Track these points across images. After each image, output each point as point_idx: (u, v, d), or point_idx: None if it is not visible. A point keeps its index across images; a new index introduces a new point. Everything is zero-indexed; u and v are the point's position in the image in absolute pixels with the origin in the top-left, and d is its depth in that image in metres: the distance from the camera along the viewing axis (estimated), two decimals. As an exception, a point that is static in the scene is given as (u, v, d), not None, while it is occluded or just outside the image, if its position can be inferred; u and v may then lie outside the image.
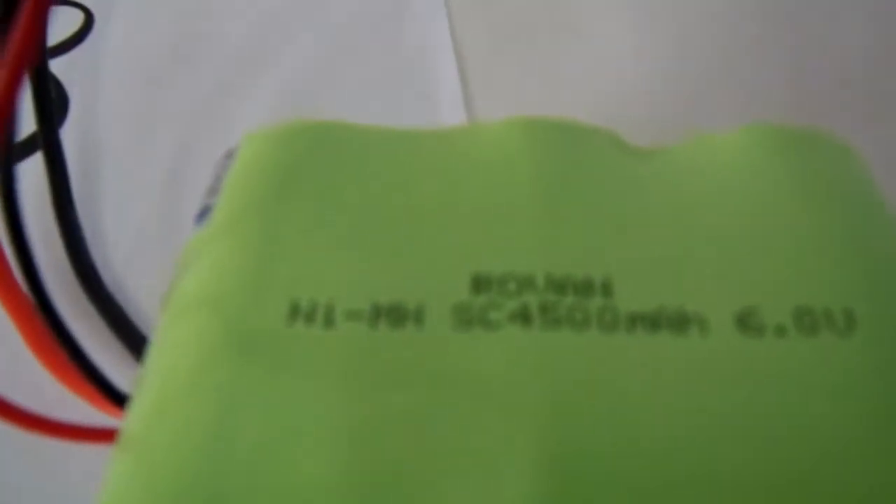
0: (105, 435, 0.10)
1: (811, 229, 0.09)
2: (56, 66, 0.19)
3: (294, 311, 0.08)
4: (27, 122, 0.19)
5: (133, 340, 0.14)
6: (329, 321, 0.08)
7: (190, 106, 0.18)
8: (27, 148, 0.18)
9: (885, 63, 0.20)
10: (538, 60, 0.20)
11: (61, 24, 0.21)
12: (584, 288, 0.08)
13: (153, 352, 0.08)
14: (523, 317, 0.08)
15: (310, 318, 0.08)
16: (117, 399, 0.11)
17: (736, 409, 0.07)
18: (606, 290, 0.08)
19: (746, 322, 0.08)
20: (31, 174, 0.18)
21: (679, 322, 0.08)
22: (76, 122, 0.18)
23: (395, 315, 0.08)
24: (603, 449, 0.07)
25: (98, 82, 0.19)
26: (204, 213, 0.10)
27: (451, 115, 0.18)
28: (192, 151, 0.18)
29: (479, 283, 0.08)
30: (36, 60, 0.14)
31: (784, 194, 0.09)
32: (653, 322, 0.08)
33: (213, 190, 0.10)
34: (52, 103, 0.17)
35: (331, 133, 0.10)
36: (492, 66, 0.20)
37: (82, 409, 0.12)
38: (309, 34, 0.20)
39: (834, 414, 0.07)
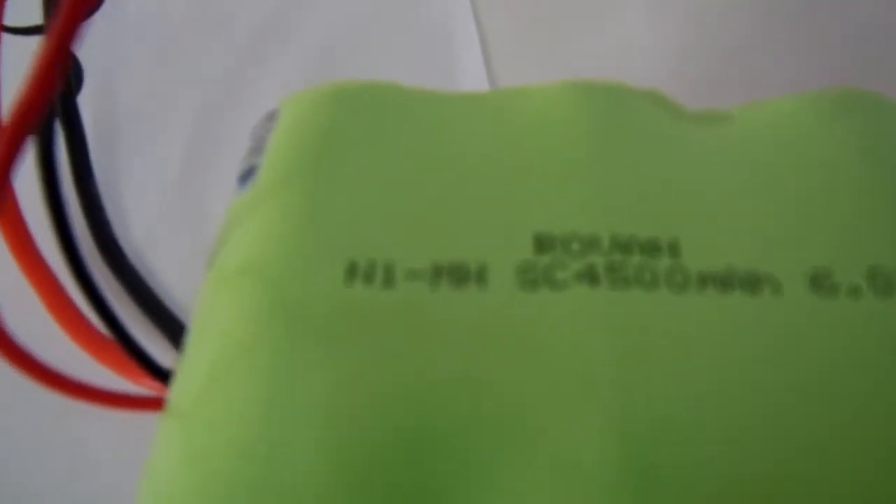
0: (141, 402, 0.10)
1: (876, 188, 0.08)
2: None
3: (352, 271, 0.08)
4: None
5: (156, 311, 0.14)
6: (389, 280, 0.08)
7: (208, 77, 0.18)
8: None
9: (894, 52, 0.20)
10: (560, 46, 0.20)
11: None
12: (651, 248, 0.08)
13: (198, 320, 0.08)
14: (590, 276, 0.07)
15: (368, 277, 0.08)
16: (154, 370, 0.11)
17: (812, 368, 0.07)
18: (673, 250, 0.08)
19: (820, 282, 0.07)
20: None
21: (751, 282, 0.07)
22: (92, 94, 0.18)
23: (456, 274, 0.08)
24: (674, 413, 0.07)
25: (113, 53, 0.18)
26: (247, 175, 0.09)
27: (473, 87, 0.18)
28: (211, 122, 0.17)
29: (542, 243, 0.08)
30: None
31: (846, 154, 0.09)
32: (724, 282, 0.07)
33: (256, 150, 0.09)
34: (71, 75, 0.17)
35: (376, 93, 0.10)
36: (514, 51, 0.19)
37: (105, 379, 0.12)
38: (331, 6, 0.20)
39: None
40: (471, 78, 0.18)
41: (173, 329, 0.14)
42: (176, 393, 0.08)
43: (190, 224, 0.16)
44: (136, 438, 0.10)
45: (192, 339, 0.08)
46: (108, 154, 0.16)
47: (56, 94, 0.14)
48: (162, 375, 0.11)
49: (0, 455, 0.14)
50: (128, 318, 0.14)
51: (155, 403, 0.10)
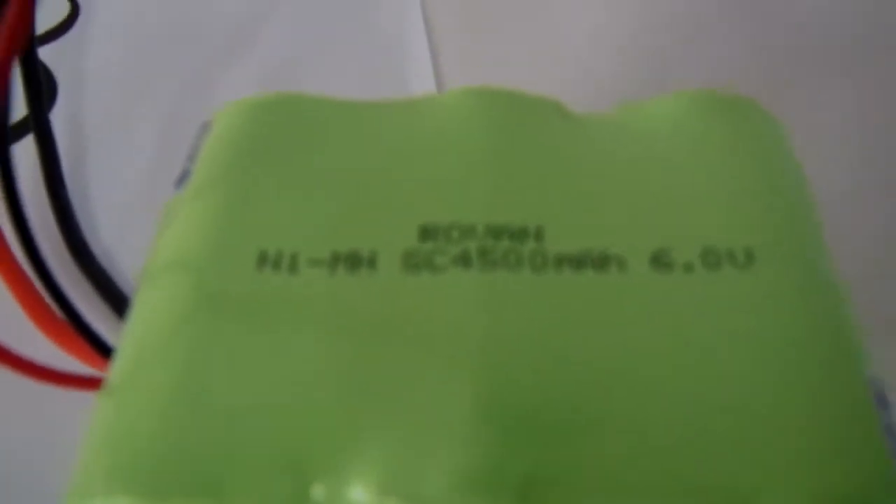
0: (96, 383, 0.11)
1: (725, 180, 0.10)
2: (45, 53, 0.20)
3: (262, 259, 0.09)
4: (18, 107, 0.20)
5: (121, 305, 0.15)
6: (293, 267, 0.09)
7: (172, 89, 0.19)
8: (19, 131, 0.19)
9: (841, 28, 0.21)
10: (507, 40, 0.21)
11: (49, 13, 0.21)
12: (519, 234, 0.09)
13: (133, 310, 0.09)
14: (464, 260, 0.09)
15: (276, 264, 0.09)
16: (107, 354, 0.12)
17: (645, 329, 0.08)
18: (538, 236, 0.09)
19: (659, 260, 0.09)
20: (23, 156, 0.18)
21: (601, 261, 0.09)
22: (65, 107, 0.19)
23: (351, 261, 0.09)
24: (526, 365, 0.08)
25: (85, 68, 0.20)
26: (182, 178, 0.11)
27: (421, 91, 0.19)
28: (174, 131, 0.19)
29: (427, 233, 0.09)
30: (25, 47, 0.15)
31: (704, 149, 0.10)
32: (578, 262, 0.09)
33: (191, 157, 0.11)
34: (42, 88, 0.18)
35: (297, 104, 0.11)
36: (462, 46, 0.21)
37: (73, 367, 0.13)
38: (290, 18, 0.21)
39: (731, 334, 0.08)
40: (420, 82, 0.19)
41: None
42: (112, 372, 0.09)
43: (155, 225, 0.17)
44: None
45: (127, 326, 0.09)
46: (78, 162, 0.18)
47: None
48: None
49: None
50: (95, 311, 0.15)
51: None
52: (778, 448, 0.07)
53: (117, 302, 0.16)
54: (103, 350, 0.13)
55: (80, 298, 0.15)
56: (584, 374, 0.08)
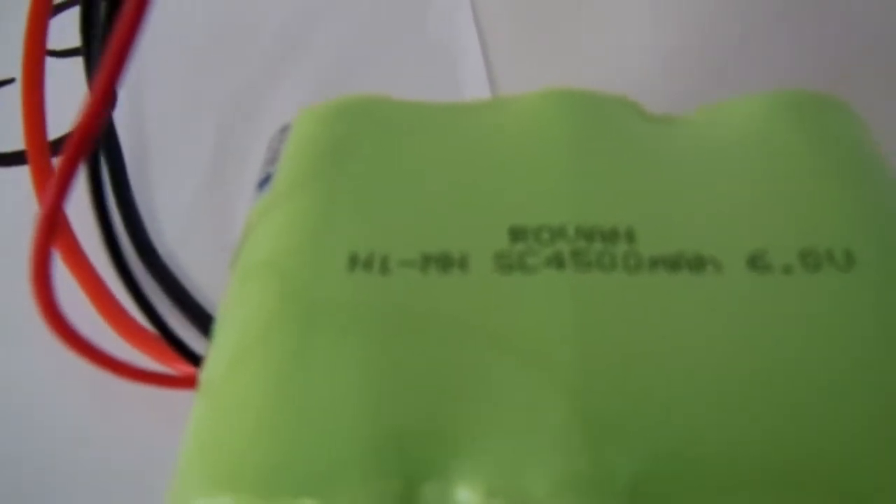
0: (177, 381, 0.11)
1: (817, 180, 0.09)
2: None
3: (353, 261, 0.09)
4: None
5: (186, 304, 0.15)
6: (385, 268, 0.09)
7: (230, 91, 0.19)
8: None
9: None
10: (560, 43, 0.21)
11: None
12: (611, 236, 0.09)
13: (224, 311, 0.09)
14: (557, 261, 0.09)
15: (368, 265, 0.09)
16: (185, 353, 0.12)
17: (745, 331, 0.08)
18: (630, 237, 0.09)
19: (756, 262, 0.09)
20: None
21: (696, 263, 0.09)
22: (125, 110, 0.19)
23: (442, 262, 0.09)
24: (625, 370, 0.08)
25: (144, 70, 0.20)
26: (265, 182, 0.11)
27: (476, 96, 0.19)
28: (233, 132, 0.19)
29: (517, 234, 0.09)
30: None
31: (793, 148, 0.10)
32: (672, 263, 0.09)
33: (272, 160, 0.11)
34: (113, 102, 0.19)
35: (377, 106, 0.11)
36: (514, 50, 0.21)
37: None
38: (341, 22, 0.21)
39: (833, 336, 0.08)
40: (473, 85, 0.19)
41: (202, 319, 0.15)
42: (205, 374, 0.09)
43: (214, 225, 0.17)
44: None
45: (218, 326, 0.09)
46: (141, 165, 0.18)
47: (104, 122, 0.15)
48: (195, 360, 0.12)
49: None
50: (163, 311, 0.15)
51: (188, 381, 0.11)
52: (886, 449, 0.07)
53: (180, 298, 0.16)
54: (180, 349, 0.13)
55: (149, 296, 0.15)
56: (683, 377, 0.08)
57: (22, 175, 0.19)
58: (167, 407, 0.12)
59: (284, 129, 0.11)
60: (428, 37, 0.21)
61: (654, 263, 0.09)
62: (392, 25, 0.21)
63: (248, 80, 0.20)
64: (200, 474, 0.08)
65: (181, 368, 0.13)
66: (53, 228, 0.08)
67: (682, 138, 0.10)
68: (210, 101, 0.19)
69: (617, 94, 0.11)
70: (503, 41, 0.21)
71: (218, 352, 0.09)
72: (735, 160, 0.10)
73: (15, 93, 0.22)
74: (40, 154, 0.16)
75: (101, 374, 0.11)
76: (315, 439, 0.08)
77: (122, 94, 0.19)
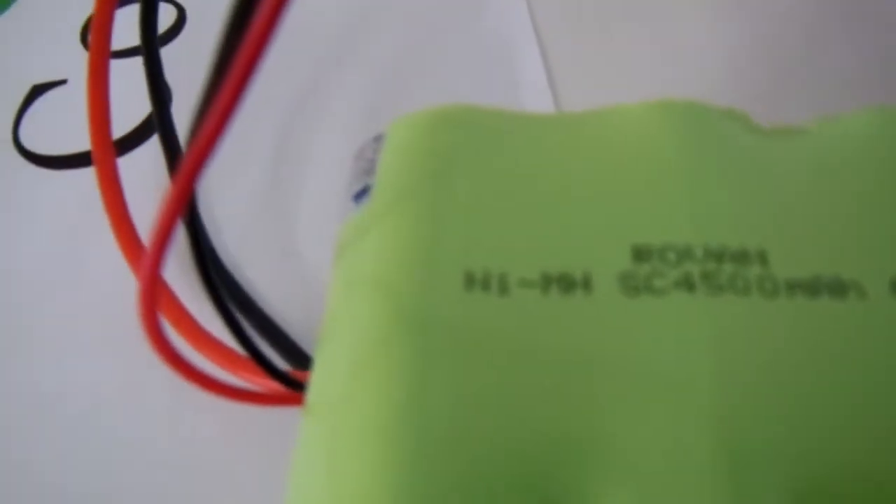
0: (265, 397, 0.11)
1: None
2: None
3: (469, 281, 0.09)
4: (137, 116, 0.20)
5: (251, 312, 0.15)
6: (504, 289, 0.08)
7: (284, 95, 0.19)
8: (137, 140, 0.19)
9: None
10: (617, 46, 0.20)
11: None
12: (741, 257, 0.08)
13: (329, 326, 0.09)
14: (687, 284, 0.08)
15: (485, 285, 0.08)
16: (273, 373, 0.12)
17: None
18: (762, 259, 0.08)
19: (901, 287, 0.08)
20: (140, 165, 0.18)
21: (837, 288, 0.08)
22: (181, 116, 0.19)
23: (564, 282, 0.08)
24: (766, 406, 0.07)
25: (196, 75, 0.20)
26: (362, 194, 0.10)
27: (536, 101, 0.19)
28: (291, 139, 0.18)
29: (640, 254, 0.09)
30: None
31: None
32: (811, 288, 0.08)
33: (368, 170, 0.10)
34: (169, 100, 0.18)
35: (475, 116, 0.10)
36: (572, 53, 0.20)
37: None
38: (398, 27, 0.21)
39: None
40: (533, 89, 0.19)
41: (266, 327, 0.15)
42: (315, 394, 0.09)
43: (275, 235, 0.17)
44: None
45: (324, 343, 0.09)
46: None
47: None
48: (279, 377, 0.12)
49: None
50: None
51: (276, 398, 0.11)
52: None
53: (245, 306, 0.15)
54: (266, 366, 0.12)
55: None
56: (834, 409, 0.07)
57: (79, 178, 0.19)
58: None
59: (378, 139, 0.11)
60: (486, 38, 0.20)
61: (792, 288, 0.08)
62: (450, 28, 0.21)
63: (304, 78, 0.19)
64: (322, 497, 0.08)
65: (260, 382, 0.13)
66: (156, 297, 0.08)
67: (800, 153, 0.10)
68: (266, 108, 0.19)
69: (724, 106, 0.11)
70: (561, 42, 0.20)
71: (328, 372, 0.09)
72: (855, 177, 0.09)
73: (67, 94, 0.21)
74: (105, 154, 0.16)
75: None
76: (446, 464, 0.07)
77: (175, 101, 0.19)
